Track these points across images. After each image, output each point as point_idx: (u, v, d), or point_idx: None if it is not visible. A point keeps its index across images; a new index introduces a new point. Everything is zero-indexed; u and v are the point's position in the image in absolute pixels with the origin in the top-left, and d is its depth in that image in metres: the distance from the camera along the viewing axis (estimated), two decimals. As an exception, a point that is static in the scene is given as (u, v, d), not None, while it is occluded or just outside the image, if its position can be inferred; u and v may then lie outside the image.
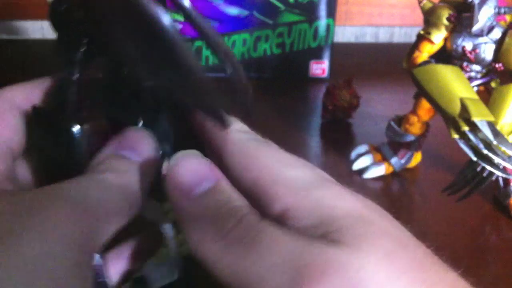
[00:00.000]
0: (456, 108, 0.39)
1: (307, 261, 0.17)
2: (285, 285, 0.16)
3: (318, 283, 0.16)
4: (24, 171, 0.23)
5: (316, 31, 0.76)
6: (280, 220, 0.19)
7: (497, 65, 0.42)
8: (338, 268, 0.16)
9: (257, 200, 0.20)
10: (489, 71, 0.44)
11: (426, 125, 0.51)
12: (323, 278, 0.16)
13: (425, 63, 0.44)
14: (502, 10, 0.41)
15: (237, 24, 0.76)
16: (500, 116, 0.39)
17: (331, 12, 0.75)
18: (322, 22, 0.76)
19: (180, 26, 0.63)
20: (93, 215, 0.18)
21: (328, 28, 0.76)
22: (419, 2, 0.47)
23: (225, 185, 0.20)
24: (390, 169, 0.53)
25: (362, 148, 0.56)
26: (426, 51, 0.45)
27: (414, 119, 0.50)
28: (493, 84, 0.44)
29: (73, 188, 0.19)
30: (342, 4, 0.88)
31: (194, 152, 0.21)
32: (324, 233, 0.18)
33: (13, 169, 0.22)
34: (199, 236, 0.19)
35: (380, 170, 0.53)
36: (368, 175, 0.53)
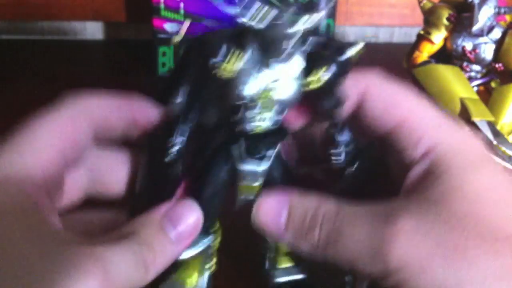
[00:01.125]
0: (456, 108, 0.39)
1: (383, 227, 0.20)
2: (369, 258, 0.20)
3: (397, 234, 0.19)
4: (73, 185, 0.25)
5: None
6: (422, 157, 0.22)
7: (497, 65, 0.42)
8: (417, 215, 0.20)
9: (396, 142, 0.23)
10: (489, 71, 0.43)
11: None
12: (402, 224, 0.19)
13: (425, 63, 0.44)
14: (502, 10, 0.41)
15: (237, 24, 0.76)
16: (500, 116, 0.39)
17: (331, 12, 0.75)
18: (322, 22, 0.76)
19: (180, 26, 0.63)
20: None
21: (328, 28, 0.76)
22: (419, 2, 0.47)
23: (297, 202, 0.23)
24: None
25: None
26: (426, 51, 0.45)
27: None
28: (493, 84, 0.44)
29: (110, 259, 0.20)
30: (342, 4, 0.88)
31: (262, 197, 0.25)
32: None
33: (58, 177, 0.22)
34: (307, 247, 0.23)
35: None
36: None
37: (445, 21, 0.43)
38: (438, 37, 0.44)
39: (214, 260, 0.29)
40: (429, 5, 0.46)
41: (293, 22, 0.22)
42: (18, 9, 0.77)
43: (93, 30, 0.79)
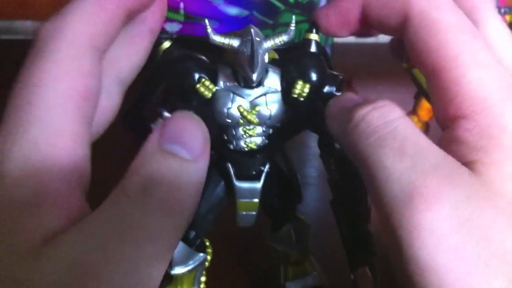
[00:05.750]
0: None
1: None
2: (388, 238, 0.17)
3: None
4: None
5: (316, 31, 0.76)
6: (448, 123, 0.17)
7: (497, 65, 0.41)
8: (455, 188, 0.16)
9: (434, 85, 0.18)
10: (489, 71, 0.43)
11: (427, 125, 0.51)
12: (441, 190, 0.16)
13: (425, 63, 0.44)
14: (502, 10, 0.41)
15: (237, 24, 0.76)
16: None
17: (331, 12, 0.75)
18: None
19: (179, 26, 0.63)
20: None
21: (328, 28, 0.76)
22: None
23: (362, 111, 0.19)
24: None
25: (362, 148, 0.56)
26: (426, 51, 0.45)
27: (414, 119, 0.50)
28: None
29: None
30: (342, 4, 0.88)
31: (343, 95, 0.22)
32: (476, 160, 0.16)
33: (85, 149, 0.18)
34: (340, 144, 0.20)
35: (380, 170, 0.53)
36: (368, 175, 0.53)
37: (445, 21, 0.43)
38: (438, 37, 0.44)
39: (205, 278, 0.29)
40: (429, 5, 0.46)
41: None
42: (18, 9, 0.77)
43: (93, 30, 0.79)
